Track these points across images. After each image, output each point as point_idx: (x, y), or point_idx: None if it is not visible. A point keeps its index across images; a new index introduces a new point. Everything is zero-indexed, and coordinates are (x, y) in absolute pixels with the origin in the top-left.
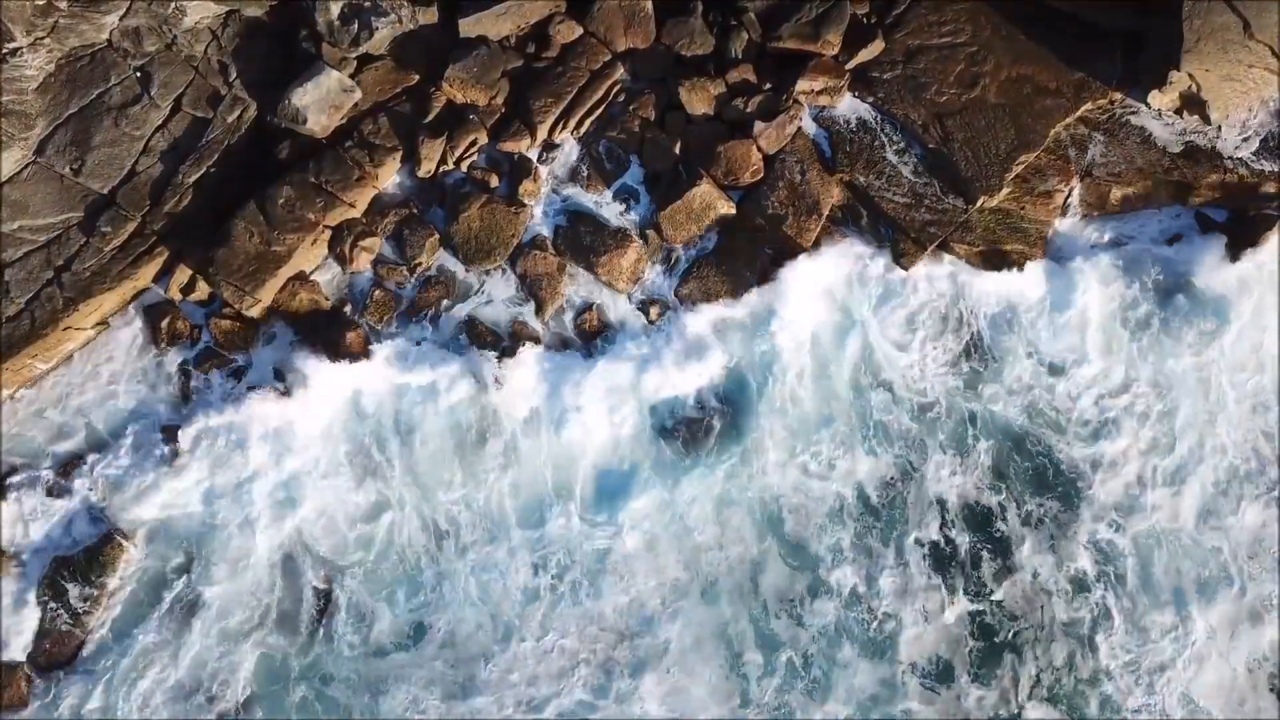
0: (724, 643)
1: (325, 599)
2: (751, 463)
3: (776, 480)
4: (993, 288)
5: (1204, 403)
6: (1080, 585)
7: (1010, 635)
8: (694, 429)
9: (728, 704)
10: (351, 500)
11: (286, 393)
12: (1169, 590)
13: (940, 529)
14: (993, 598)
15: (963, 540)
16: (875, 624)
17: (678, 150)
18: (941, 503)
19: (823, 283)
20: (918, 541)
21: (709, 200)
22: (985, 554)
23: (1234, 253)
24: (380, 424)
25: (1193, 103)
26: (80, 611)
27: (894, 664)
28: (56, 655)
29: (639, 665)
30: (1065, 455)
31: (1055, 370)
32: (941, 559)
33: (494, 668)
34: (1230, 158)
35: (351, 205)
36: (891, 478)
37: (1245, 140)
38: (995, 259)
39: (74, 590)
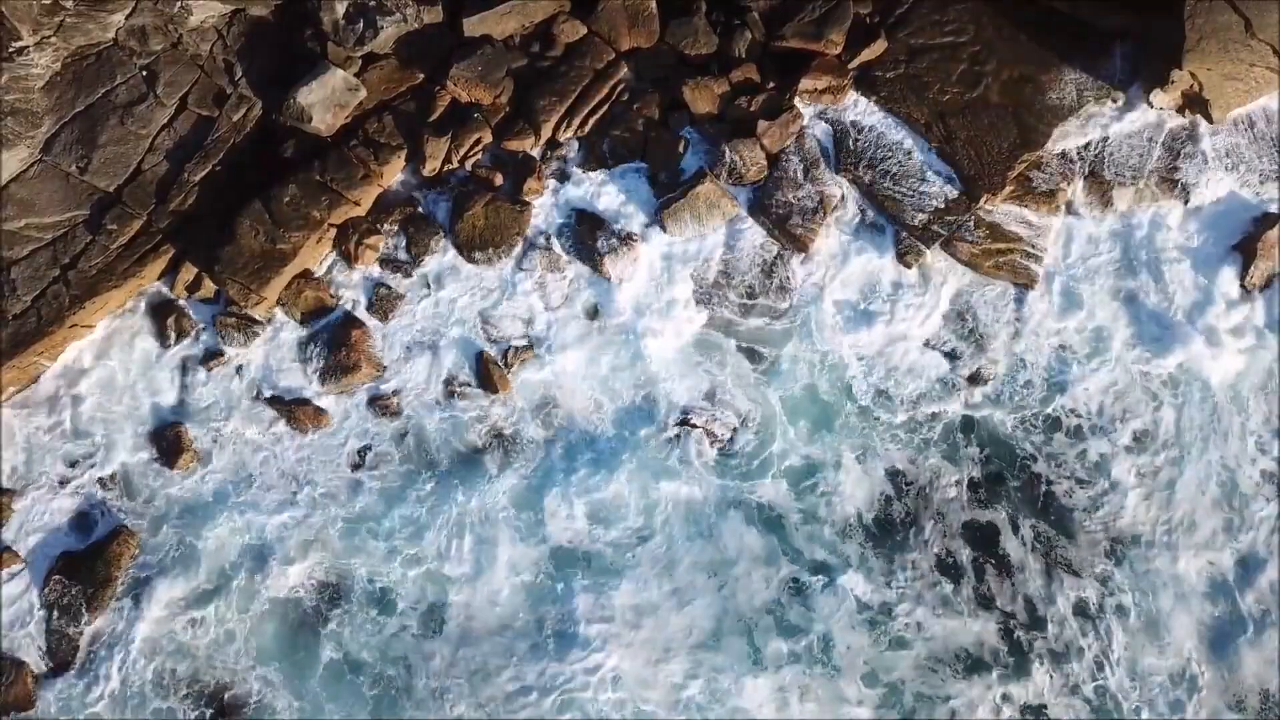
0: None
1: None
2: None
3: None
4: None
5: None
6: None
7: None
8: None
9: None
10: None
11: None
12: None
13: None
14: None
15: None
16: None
17: (682, 149)
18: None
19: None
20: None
21: (713, 198)
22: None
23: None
24: None
25: (1195, 102)
26: (87, 605)
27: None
28: (62, 650)
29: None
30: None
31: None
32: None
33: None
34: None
35: (356, 203)
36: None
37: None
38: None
39: (81, 585)
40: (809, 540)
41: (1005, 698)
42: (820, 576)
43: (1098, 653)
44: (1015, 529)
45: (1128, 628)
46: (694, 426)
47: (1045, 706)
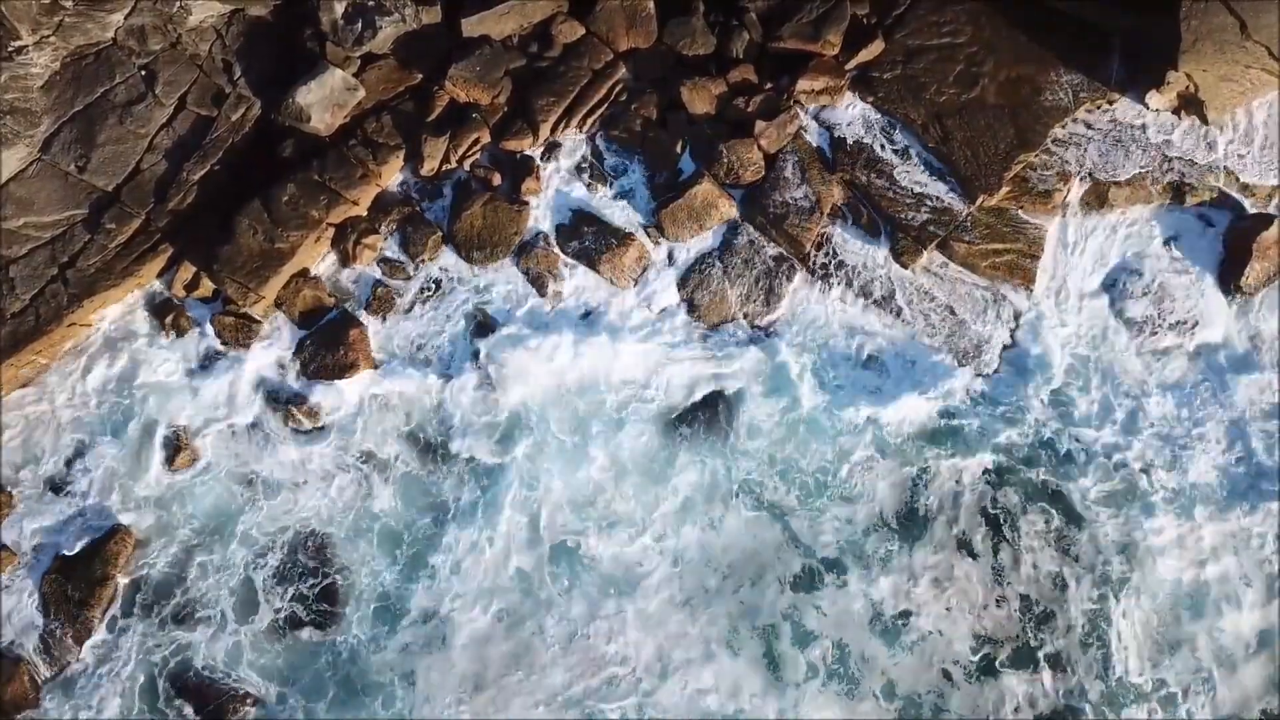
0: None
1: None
2: None
3: None
4: None
5: None
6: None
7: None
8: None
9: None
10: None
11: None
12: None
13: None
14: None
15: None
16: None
17: (679, 149)
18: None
19: None
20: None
21: (710, 199)
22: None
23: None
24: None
25: (1190, 103)
26: (84, 604)
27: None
28: (60, 650)
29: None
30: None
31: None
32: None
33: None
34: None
35: (355, 203)
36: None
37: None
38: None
39: (78, 584)
40: (819, 539)
41: (1019, 706)
42: (834, 576)
43: (1112, 657)
44: (1027, 533)
45: (1143, 633)
46: (692, 423)
47: (1060, 712)
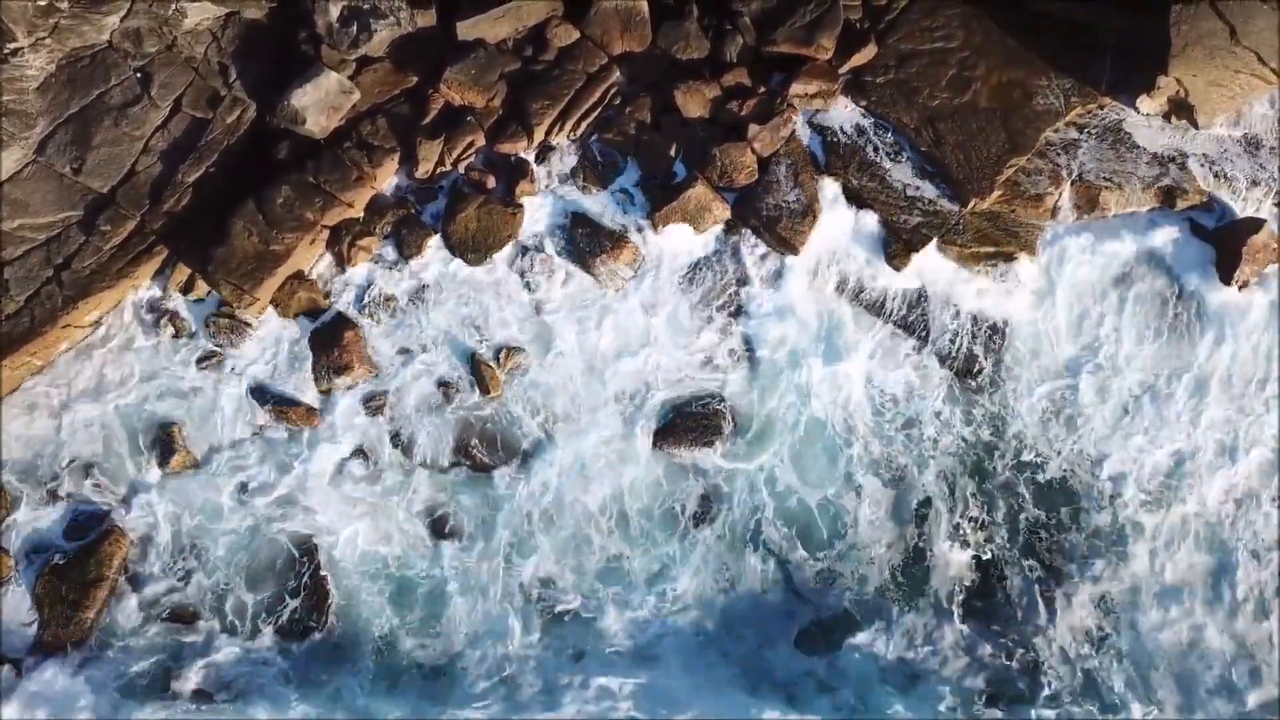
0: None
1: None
2: None
3: None
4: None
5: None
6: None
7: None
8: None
9: None
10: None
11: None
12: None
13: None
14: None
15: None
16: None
17: (673, 152)
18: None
19: None
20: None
21: (704, 201)
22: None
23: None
24: None
25: (1181, 107)
26: (79, 605)
27: None
28: (55, 650)
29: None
30: None
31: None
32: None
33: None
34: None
35: (350, 205)
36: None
37: None
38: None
39: (73, 584)
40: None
41: None
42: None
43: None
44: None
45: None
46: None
47: None
